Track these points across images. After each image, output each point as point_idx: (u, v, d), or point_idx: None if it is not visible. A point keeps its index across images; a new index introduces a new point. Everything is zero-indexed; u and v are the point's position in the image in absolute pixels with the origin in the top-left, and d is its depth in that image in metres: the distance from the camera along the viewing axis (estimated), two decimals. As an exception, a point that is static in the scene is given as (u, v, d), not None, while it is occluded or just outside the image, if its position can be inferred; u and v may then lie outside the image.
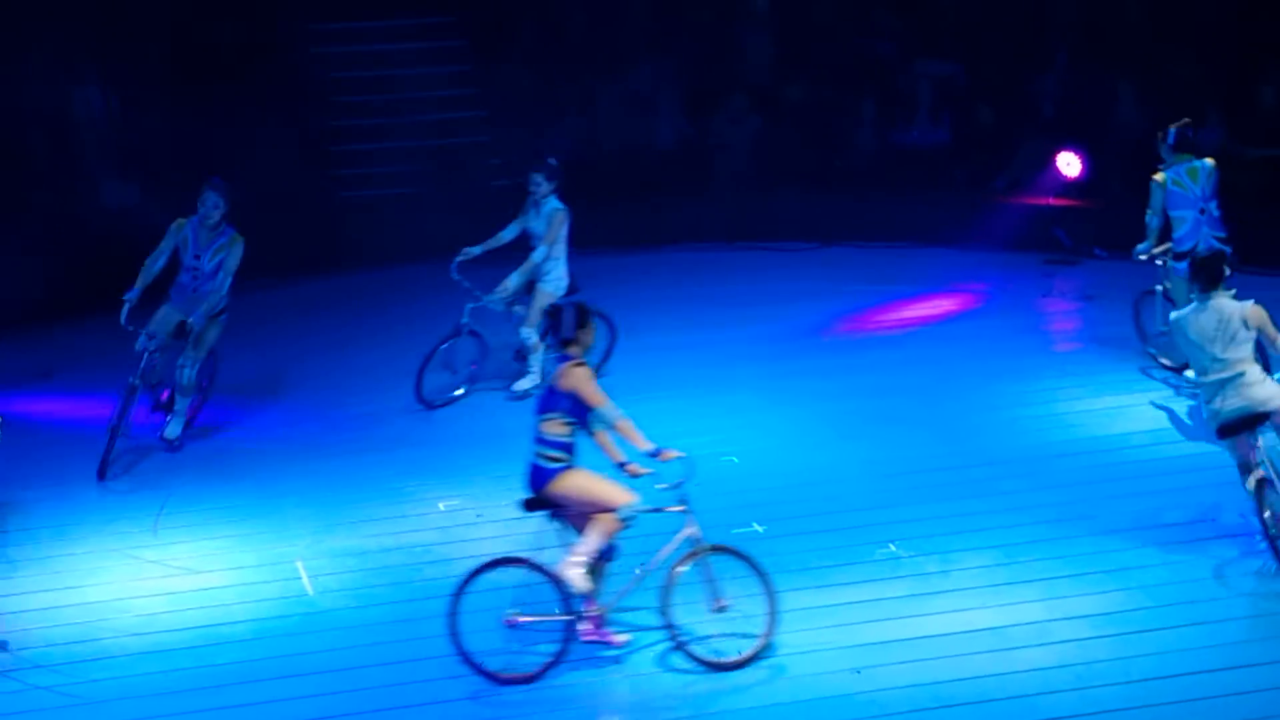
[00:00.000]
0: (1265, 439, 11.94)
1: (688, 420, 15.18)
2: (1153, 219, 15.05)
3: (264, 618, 11.98)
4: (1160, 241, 15.14)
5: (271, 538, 13.28)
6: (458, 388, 16.17)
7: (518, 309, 15.97)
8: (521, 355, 16.12)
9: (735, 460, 14.37)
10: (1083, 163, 19.57)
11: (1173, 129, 15.01)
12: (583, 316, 11.17)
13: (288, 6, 21.55)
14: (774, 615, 11.05)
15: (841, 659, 11.05)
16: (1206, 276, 12.15)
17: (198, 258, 14.92)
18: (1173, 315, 12.53)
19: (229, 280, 15.00)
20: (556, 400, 10.99)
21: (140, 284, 14.73)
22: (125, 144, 20.24)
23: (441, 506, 13.68)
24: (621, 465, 11.03)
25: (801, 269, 19.46)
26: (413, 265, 19.80)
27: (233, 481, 14.39)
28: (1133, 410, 15.12)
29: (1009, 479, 13.68)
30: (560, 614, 10.92)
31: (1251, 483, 11.90)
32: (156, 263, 14.91)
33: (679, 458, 10.94)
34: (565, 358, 11.07)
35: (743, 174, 21.12)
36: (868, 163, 21.05)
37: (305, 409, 16.21)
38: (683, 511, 11.04)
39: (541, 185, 15.84)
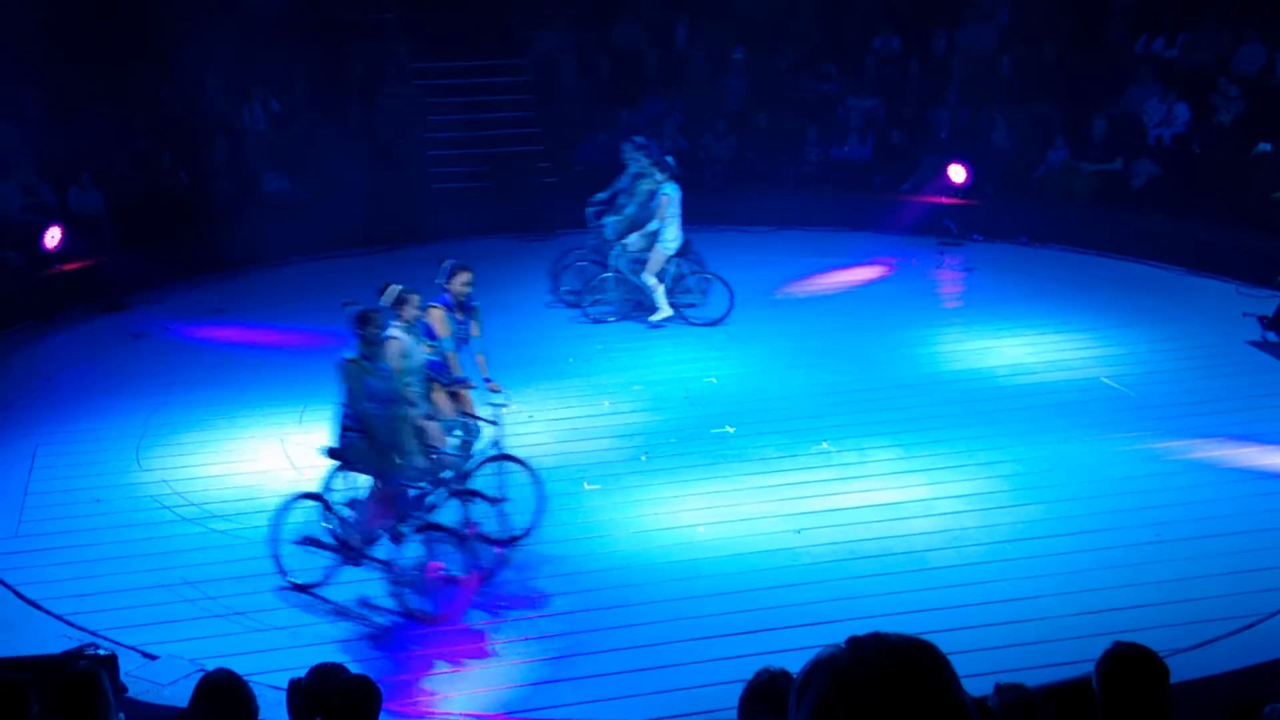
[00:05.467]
0: None
1: (682, 351, 15.19)
2: None
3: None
4: None
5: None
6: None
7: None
8: None
9: (714, 381, 14.35)
10: (966, 172, 19.48)
11: None
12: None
13: (398, 49, 21.39)
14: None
15: (787, 523, 11.13)
16: None
17: None
18: None
19: None
20: None
21: None
22: (280, 146, 20.11)
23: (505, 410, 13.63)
24: None
25: (765, 245, 19.35)
26: (483, 239, 19.40)
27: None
28: (997, 350, 15.08)
29: (908, 397, 13.70)
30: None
31: None
32: None
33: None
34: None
35: (724, 175, 21.00)
36: (813, 170, 20.92)
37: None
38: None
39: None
